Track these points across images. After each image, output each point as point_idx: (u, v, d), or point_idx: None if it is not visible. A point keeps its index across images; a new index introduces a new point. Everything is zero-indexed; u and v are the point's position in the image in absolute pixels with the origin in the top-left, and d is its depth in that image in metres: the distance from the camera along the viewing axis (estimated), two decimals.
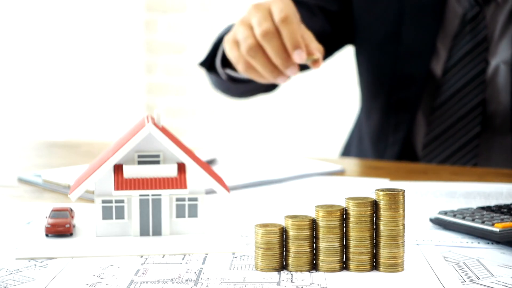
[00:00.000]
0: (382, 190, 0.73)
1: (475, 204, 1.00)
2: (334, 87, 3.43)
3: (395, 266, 0.73)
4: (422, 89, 1.38)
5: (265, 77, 1.13)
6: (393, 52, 1.40)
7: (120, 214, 0.82)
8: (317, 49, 1.10)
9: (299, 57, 1.07)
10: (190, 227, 0.83)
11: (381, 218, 0.73)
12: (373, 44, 1.43)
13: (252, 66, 1.13)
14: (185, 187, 0.81)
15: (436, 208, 0.97)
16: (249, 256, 0.78)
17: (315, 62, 1.10)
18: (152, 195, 0.81)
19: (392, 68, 1.41)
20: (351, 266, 0.74)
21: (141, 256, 0.78)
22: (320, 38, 1.26)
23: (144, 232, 0.82)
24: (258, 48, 1.10)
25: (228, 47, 1.16)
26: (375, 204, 0.74)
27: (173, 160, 0.82)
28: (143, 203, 0.81)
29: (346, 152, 1.59)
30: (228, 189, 0.83)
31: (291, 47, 1.07)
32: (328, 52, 1.43)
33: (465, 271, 0.74)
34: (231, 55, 1.15)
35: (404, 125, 1.40)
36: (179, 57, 3.61)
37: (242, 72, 1.16)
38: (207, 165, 0.85)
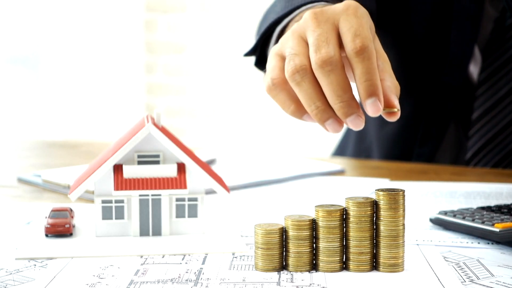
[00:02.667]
0: (382, 190, 0.73)
1: (475, 204, 1.00)
2: None
3: (395, 266, 0.73)
4: (459, 101, 1.32)
5: (304, 114, 0.79)
6: (432, 55, 1.32)
7: (120, 214, 0.82)
8: (395, 90, 0.77)
9: (373, 108, 0.74)
10: (190, 227, 0.82)
11: (381, 218, 0.73)
12: (410, 40, 1.34)
13: (287, 92, 0.79)
14: (185, 187, 0.81)
15: (436, 208, 0.97)
16: (249, 256, 0.78)
17: (391, 113, 0.77)
18: (152, 195, 0.81)
19: (427, 73, 1.33)
20: (351, 266, 0.74)
21: (141, 256, 0.78)
22: None
23: (144, 232, 0.82)
24: (307, 73, 0.76)
25: (270, 57, 0.83)
26: (375, 204, 0.74)
27: (173, 160, 0.82)
28: (143, 203, 0.81)
29: (340, 152, 1.55)
30: (228, 189, 0.83)
31: (365, 93, 0.74)
32: None
33: (465, 271, 0.74)
34: (269, 65, 0.82)
35: (433, 138, 1.34)
36: (179, 57, 3.61)
37: (267, 91, 0.81)
38: (207, 165, 0.85)
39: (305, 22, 0.78)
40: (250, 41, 1.17)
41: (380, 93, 0.74)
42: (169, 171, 0.81)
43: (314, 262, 0.74)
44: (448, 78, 1.32)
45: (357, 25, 0.75)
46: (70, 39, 3.50)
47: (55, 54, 3.49)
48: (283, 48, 0.80)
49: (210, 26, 3.54)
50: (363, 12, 0.77)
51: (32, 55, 3.45)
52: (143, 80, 3.66)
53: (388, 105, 0.76)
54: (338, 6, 0.78)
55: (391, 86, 0.76)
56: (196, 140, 3.58)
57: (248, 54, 1.14)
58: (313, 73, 0.76)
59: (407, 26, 1.35)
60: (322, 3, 1.04)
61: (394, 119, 0.78)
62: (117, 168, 0.81)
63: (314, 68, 0.75)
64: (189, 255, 0.78)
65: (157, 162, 0.82)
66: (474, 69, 1.31)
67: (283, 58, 0.79)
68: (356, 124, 0.75)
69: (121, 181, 0.80)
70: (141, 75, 3.65)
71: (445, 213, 0.88)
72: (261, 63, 1.16)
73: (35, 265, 0.75)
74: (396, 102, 0.76)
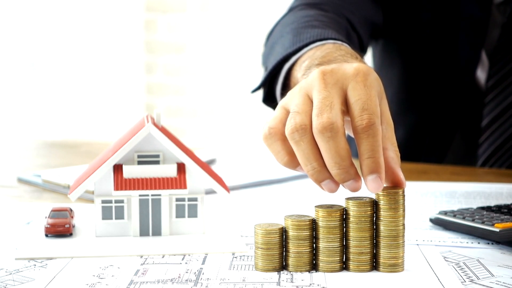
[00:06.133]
0: (382, 189, 0.73)
1: (475, 204, 1.00)
2: None
3: (395, 266, 0.73)
4: (466, 109, 1.32)
5: (298, 165, 0.78)
6: (439, 61, 1.33)
7: (119, 214, 0.81)
8: (398, 160, 0.76)
9: (374, 185, 0.73)
10: (190, 227, 0.82)
11: (381, 218, 0.73)
12: (417, 47, 1.34)
13: (282, 142, 0.77)
14: (185, 187, 0.81)
15: (436, 208, 0.97)
16: (249, 256, 0.78)
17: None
18: (152, 195, 0.81)
19: (434, 81, 1.33)
20: (351, 266, 0.74)
21: (141, 256, 0.78)
22: (370, 26, 1.18)
23: (143, 232, 0.82)
24: (306, 133, 0.75)
25: (276, 108, 0.81)
26: (375, 204, 0.74)
27: (173, 160, 0.82)
28: (143, 203, 0.81)
29: None
30: (228, 189, 0.83)
31: (367, 170, 0.73)
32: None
33: (465, 271, 0.74)
34: (271, 130, 0.78)
35: (440, 147, 1.34)
36: (179, 57, 3.61)
37: (262, 139, 0.79)
38: (207, 165, 0.85)
39: (313, 81, 0.77)
40: (257, 67, 1.17)
41: (382, 171, 0.73)
42: (169, 171, 0.81)
43: (314, 262, 0.74)
44: (453, 84, 1.32)
45: (366, 97, 0.74)
46: (70, 39, 3.50)
47: (55, 54, 3.49)
48: (289, 103, 0.79)
49: (210, 26, 3.54)
50: (373, 79, 0.76)
51: (32, 55, 3.45)
52: (143, 80, 3.66)
53: (394, 181, 0.75)
54: (349, 69, 0.76)
55: (394, 157, 0.75)
56: (196, 140, 3.58)
57: (256, 90, 1.13)
58: (313, 134, 0.74)
59: (414, 33, 1.34)
60: (331, 41, 1.03)
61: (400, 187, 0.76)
62: (117, 168, 0.81)
63: (314, 132, 0.74)
64: (189, 255, 0.78)
65: (157, 162, 0.82)
66: (481, 74, 1.30)
67: (287, 112, 0.78)
68: (353, 189, 0.74)
69: (121, 181, 0.80)
70: (141, 75, 3.65)
71: (445, 213, 0.88)
72: (269, 99, 1.15)
73: (35, 265, 0.75)
74: (402, 177, 0.75)
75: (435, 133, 1.35)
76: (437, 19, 1.32)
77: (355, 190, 0.74)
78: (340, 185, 0.74)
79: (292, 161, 0.77)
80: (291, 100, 0.78)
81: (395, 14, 1.34)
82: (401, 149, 1.41)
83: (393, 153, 0.76)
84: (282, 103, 0.80)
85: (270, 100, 1.15)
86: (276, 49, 1.14)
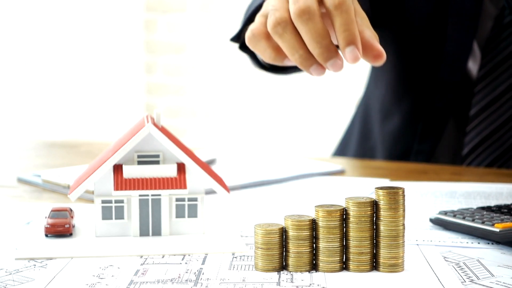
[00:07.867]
0: (382, 188, 0.73)
1: (475, 204, 1.00)
2: (333, 85, 3.43)
3: (395, 267, 0.73)
4: (457, 97, 1.32)
5: (284, 59, 0.85)
6: (429, 52, 1.33)
7: (119, 214, 0.82)
8: (374, 38, 0.82)
9: (352, 55, 0.79)
10: (190, 227, 0.82)
11: (381, 218, 0.73)
12: (408, 37, 1.35)
13: (266, 40, 0.85)
14: (185, 187, 0.81)
15: (436, 208, 0.97)
16: (249, 256, 0.78)
17: (377, 56, 0.81)
18: (152, 195, 0.81)
19: (426, 70, 1.34)
20: (351, 267, 0.74)
21: (141, 256, 0.78)
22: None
23: (143, 232, 0.82)
24: (287, 24, 0.81)
25: (255, 21, 0.88)
26: (375, 204, 0.74)
27: (172, 160, 0.82)
28: (143, 203, 0.81)
29: (341, 151, 1.55)
30: (228, 189, 0.83)
31: (344, 42, 0.79)
32: None
33: (465, 271, 0.74)
34: (254, 31, 0.86)
35: (433, 135, 1.34)
36: (178, 57, 3.61)
37: (247, 42, 0.87)
38: (207, 165, 0.85)
39: None
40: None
41: (359, 42, 0.79)
42: (169, 171, 0.81)
43: (314, 262, 0.74)
44: (445, 75, 1.32)
45: None
46: (70, 39, 3.50)
47: (55, 53, 3.49)
48: (266, 8, 0.85)
49: (210, 26, 3.54)
50: None
51: (32, 54, 3.45)
52: (143, 80, 3.66)
53: (373, 53, 0.80)
54: None
55: (371, 34, 0.81)
56: (196, 140, 3.58)
57: (234, 39, 1.18)
58: (294, 25, 0.81)
59: (404, 23, 1.35)
60: None
61: (380, 62, 0.81)
62: (117, 168, 0.81)
63: (293, 18, 0.80)
64: (189, 255, 0.78)
65: (157, 162, 0.82)
66: (473, 66, 1.31)
67: (266, 17, 0.84)
68: (336, 67, 0.80)
69: (121, 181, 0.80)
70: (141, 75, 3.65)
71: (445, 213, 0.88)
72: (246, 47, 1.19)
73: (34, 265, 0.75)
74: (380, 48, 0.80)
75: (428, 121, 1.35)
76: (428, 11, 1.33)
77: (338, 69, 0.80)
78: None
79: (279, 55, 0.85)
80: (268, 5, 0.84)
81: (383, 4, 1.34)
82: (398, 136, 1.42)
83: (370, 32, 0.81)
84: (260, 13, 0.86)
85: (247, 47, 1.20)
86: (252, 5, 1.19)
